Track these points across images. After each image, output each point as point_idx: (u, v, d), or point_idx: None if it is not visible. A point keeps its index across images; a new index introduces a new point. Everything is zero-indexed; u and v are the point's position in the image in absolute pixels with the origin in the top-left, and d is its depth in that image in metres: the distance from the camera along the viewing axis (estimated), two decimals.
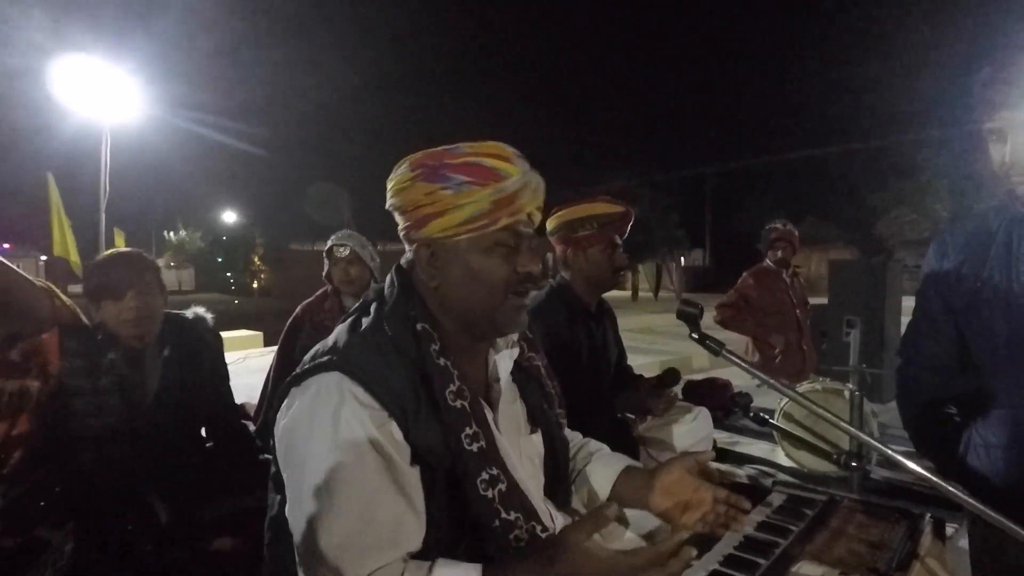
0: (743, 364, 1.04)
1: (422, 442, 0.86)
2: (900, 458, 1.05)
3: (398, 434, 0.84)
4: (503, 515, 0.87)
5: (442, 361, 0.90)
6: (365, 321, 0.93)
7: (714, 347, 1.02)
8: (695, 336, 1.04)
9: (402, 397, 0.86)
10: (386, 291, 0.97)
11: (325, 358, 0.87)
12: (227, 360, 2.02)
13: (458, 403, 0.88)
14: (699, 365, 6.72)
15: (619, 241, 1.91)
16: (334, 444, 0.81)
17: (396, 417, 0.84)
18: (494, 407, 0.99)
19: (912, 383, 1.31)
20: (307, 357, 0.91)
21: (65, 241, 6.41)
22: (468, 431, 0.88)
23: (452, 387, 0.89)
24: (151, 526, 1.51)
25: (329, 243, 2.65)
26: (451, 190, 0.90)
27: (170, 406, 1.79)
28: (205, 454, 1.91)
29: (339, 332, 0.93)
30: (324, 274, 2.69)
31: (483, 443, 0.88)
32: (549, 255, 2.07)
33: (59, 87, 6.09)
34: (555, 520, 1.03)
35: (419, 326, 0.91)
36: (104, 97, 6.35)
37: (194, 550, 1.52)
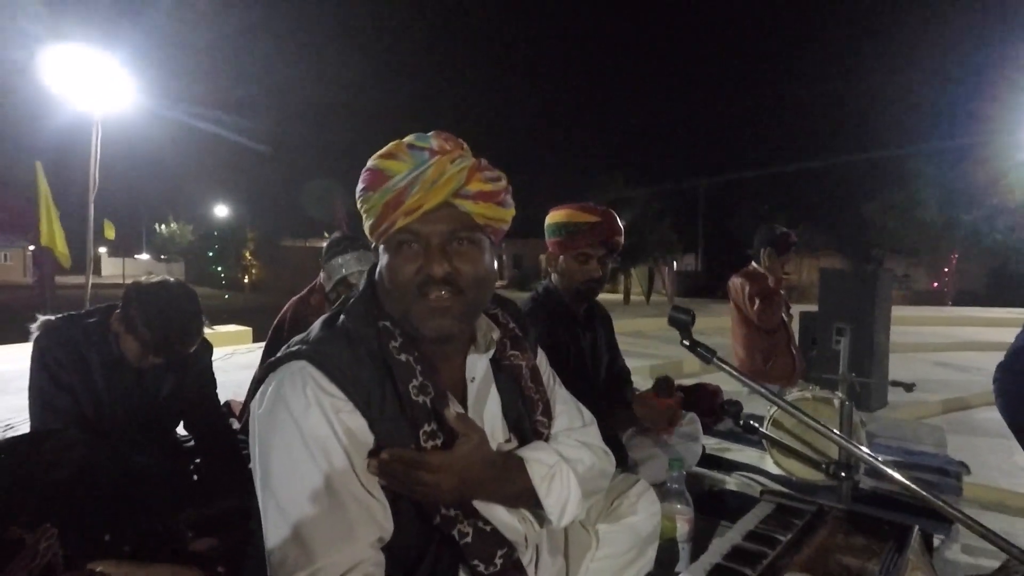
0: (733, 372, 1.04)
1: (386, 433, 0.86)
2: (889, 470, 1.04)
3: (361, 423, 0.85)
4: (442, 511, 0.88)
5: (403, 357, 0.90)
6: (341, 318, 0.94)
7: (705, 354, 1.01)
8: (686, 343, 1.03)
9: (367, 389, 0.86)
10: (359, 290, 0.99)
11: (296, 347, 0.89)
12: (216, 356, 2.00)
13: (420, 399, 0.88)
14: (690, 370, 6.72)
15: (593, 252, 1.84)
16: (296, 429, 0.82)
17: (360, 407, 0.85)
18: (468, 408, 0.97)
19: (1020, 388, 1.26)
20: (284, 347, 0.92)
21: (52, 231, 6.32)
22: (427, 428, 0.88)
23: (415, 382, 0.89)
24: (130, 531, 1.50)
25: (344, 270, 2.41)
26: (360, 198, 0.94)
27: (157, 412, 1.79)
28: (191, 458, 1.90)
29: (315, 325, 0.95)
30: (328, 290, 2.55)
31: (438, 442, 0.88)
32: (542, 256, 2.05)
33: (50, 76, 6.00)
34: (531, 526, 1.01)
35: (381, 324, 0.92)
36: (96, 87, 6.26)
37: (174, 551, 1.50)
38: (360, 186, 0.94)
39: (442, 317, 0.90)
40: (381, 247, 0.95)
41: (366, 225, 0.96)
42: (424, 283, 0.89)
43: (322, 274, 2.58)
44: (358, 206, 0.96)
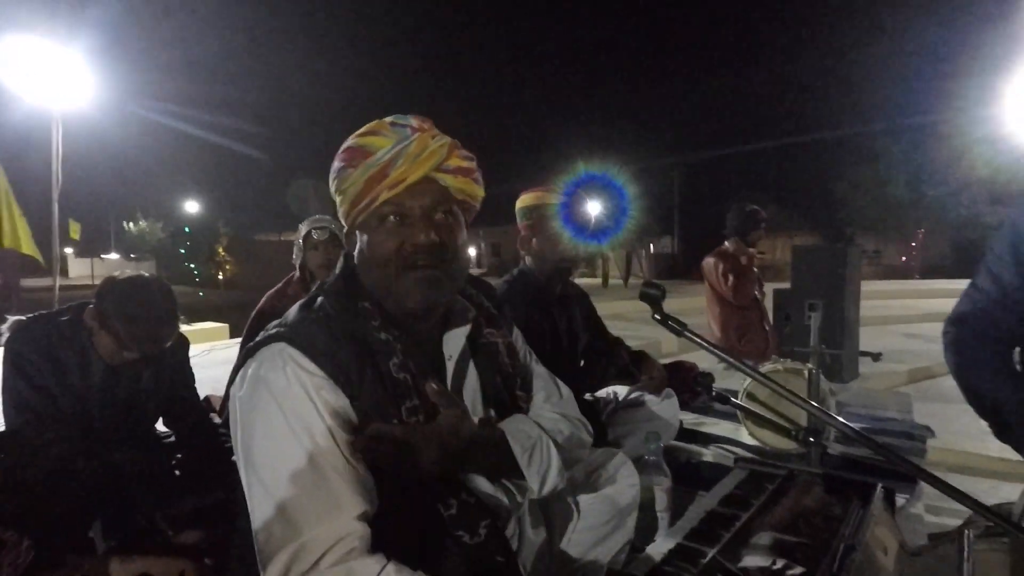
0: (705, 344, 1.06)
1: (367, 410, 0.88)
2: (855, 431, 1.09)
3: (343, 401, 0.87)
4: (427, 484, 0.90)
5: (383, 336, 0.92)
6: (318, 300, 0.96)
7: (676, 328, 1.04)
8: (657, 317, 1.05)
9: (347, 367, 0.88)
10: (336, 272, 1.01)
11: (274, 330, 0.91)
12: (193, 352, 1.99)
13: (401, 375, 0.90)
14: (668, 350, 6.80)
15: (564, 231, 1.86)
16: (278, 408, 0.83)
17: (341, 384, 0.87)
18: (448, 385, 0.99)
19: (977, 353, 1.28)
20: (262, 331, 0.93)
21: (16, 232, 6.12)
22: (409, 404, 0.90)
23: (396, 360, 0.91)
24: (113, 527, 1.49)
25: (304, 229, 2.60)
26: (336, 178, 0.96)
27: (135, 409, 1.78)
28: (172, 453, 1.89)
29: (293, 309, 0.96)
30: (299, 263, 2.63)
31: (421, 418, 0.90)
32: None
33: (3, 70, 5.78)
34: (514, 498, 1.03)
35: (360, 304, 0.94)
36: (54, 81, 6.05)
37: (160, 545, 1.50)
38: (338, 165, 0.95)
39: (428, 288, 0.92)
40: (359, 228, 0.97)
41: (342, 208, 0.97)
42: (409, 254, 0.92)
43: (295, 250, 2.65)
44: (332, 189, 0.97)
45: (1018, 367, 1.32)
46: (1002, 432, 1.27)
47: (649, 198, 20.77)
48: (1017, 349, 1.31)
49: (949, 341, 1.34)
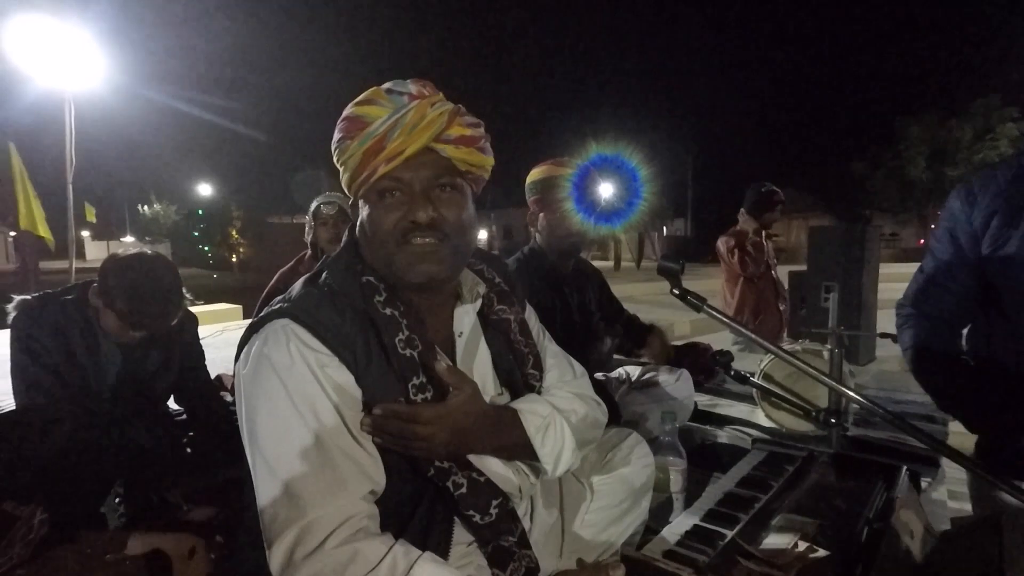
0: (725, 319, 1.03)
1: (373, 388, 0.85)
2: (888, 412, 1.05)
3: (348, 378, 0.84)
4: (436, 463, 0.88)
5: (388, 311, 0.89)
6: (323, 275, 0.93)
7: (695, 303, 1.00)
8: (676, 292, 1.01)
9: (352, 343, 0.85)
10: (341, 246, 0.98)
11: (277, 306, 0.88)
12: (206, 333, 1.98)
13: (407, 352, 0.87)
14: (681, 332, 6.76)
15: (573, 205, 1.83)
16: (282, 386, 0.81)
17: (346, 361, 0.85)
18: (457, 362, 0.97)
19: (926, 333, 1.28)
20: (266, 308, 0.90)
21: (32, 214, 6.17)
22: (415, 381, 0.87)
23: (401, 335, 0.88)
24: (125, 503, 1.49)
25: (314, 204, 2.63)
26: (336, 149, 0.92)
27: (145, 387, 1.77)
28: (184, 431, 1.89)
29: (297, 284, 0.94)
30: (310, 240, 2.66)
31: (428, 395, 0.87)
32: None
33: (15, 51, 5.78)
34: (526, 478, 1.01)
35: (364, 278, 0.91)
36: (66, 62, 6.05)
37: (171, 522, 1.50)
38: (337, 136, 0.92)
39: (428, 262, 0.89)
40: (360, 201, 0.94)
41: (344, 179, 0.94)
42: (408, 229, 0.88)
43: (306, 228, 2.68)
44: (335, 160, 0.94)
45: (964, 345, 1.31)
46: (942, 404, 1.26)
47: (663, 179, 20.57)
48: (967, 329, 1.30)
49: (899, 322, 1.33)
